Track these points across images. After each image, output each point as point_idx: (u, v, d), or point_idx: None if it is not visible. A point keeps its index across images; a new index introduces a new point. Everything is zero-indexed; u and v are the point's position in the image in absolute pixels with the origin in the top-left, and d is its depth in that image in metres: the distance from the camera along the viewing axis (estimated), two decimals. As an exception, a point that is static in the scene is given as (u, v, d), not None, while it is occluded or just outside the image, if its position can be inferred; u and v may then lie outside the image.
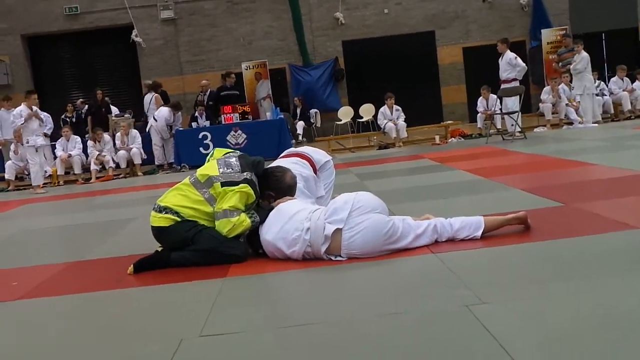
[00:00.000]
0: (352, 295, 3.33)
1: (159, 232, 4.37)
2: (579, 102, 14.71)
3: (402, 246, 3.99)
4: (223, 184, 4.24)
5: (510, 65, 13.05)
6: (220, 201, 4.24)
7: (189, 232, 4.24)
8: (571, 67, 13.50)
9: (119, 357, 2.80)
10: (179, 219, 4.26)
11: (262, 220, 4.24)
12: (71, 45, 20.10)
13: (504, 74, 13.20)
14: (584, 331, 2.50)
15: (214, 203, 4.26)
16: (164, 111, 14.45)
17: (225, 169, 4.32)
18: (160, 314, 3.42)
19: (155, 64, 19.33)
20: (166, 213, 4.30)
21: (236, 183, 4.24)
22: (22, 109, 12.35)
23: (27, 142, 12.45)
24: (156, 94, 15.42)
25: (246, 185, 4.24)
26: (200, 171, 4.42)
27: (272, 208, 4.30)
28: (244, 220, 4.20)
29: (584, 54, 13.59)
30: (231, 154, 4.53)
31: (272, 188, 4.46)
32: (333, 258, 3.94)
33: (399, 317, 2.89)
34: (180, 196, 4.34)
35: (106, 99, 16.95)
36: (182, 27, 19.40)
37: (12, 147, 13.97)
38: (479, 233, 4.10)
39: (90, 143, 14.32)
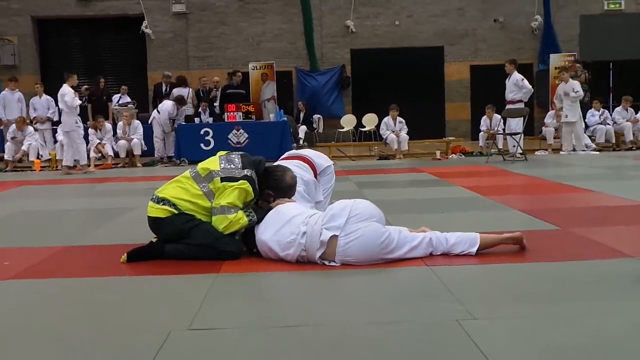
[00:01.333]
0: (344, 301, 3.34)
1: (155, 223, 4.37)
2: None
3: (397, 257, 4.00)
4: (223, 179, 4.25)
5: (517, 86, 13.08)
6: (218, 197, 4.24)
7: (185, 225, 4.24)
8: (572, 94, 13.53)
9: (107, 345, 2.79)
10: (176, 212, 4.26)
11: (259, 220, 4.24)
12: (80, 31, 20.09)
13: (510, 94, 13.23)
14: (571, 352, 2.51)
15: (213, 198, 4.27)
16: (168, 105, 14.45)
17: (227, 164, 4.33)
18: (151, 304, 3.41)
19: (163, 56, 19.34)
20: (164, 204, 4.30)
21: (236, 179, 4.24)
22: (70, 90, 12.39)
23: (77, 123, 12.64)
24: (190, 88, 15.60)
25: (245, 182, 4.25)
26: (201, 165, 4.43)
27: (271, 208, 4.30)
28: (241, 218, 4.20)
29: (574, 81, 13.69)
30: (233, 153, 4.54)
31: (271, 187, 4.46)
32: (327, 263, 3.95)
33: (388, 325, 2.89)
34: (180, 189, 4.35)
35: (124, 87, 16.89)
36: (192, 22, 19.42)
37: (11, 132, 13.98)
38: (474, 249, 4.11)
39: (91, 131, 14.29)
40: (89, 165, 13.05)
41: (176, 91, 15.63)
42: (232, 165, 4.32)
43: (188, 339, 2.81)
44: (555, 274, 3.72)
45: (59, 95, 12.54)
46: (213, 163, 4.39)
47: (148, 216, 4.41)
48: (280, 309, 3.28)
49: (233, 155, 4.43)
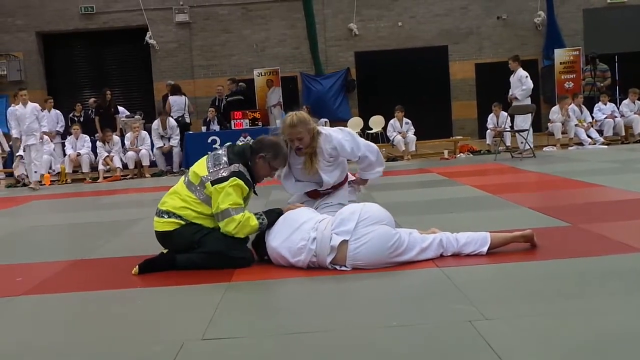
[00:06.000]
0: (356, 306, 3.33)
1: (163, 237, 4.37)
2: (590, 122, 14.69)
3: (408, 259, 3.99)
4: (213, 183, 4.24)
5: (521, 82, 13.06)
6: (215, 201, 4.22)
7: (195, 236, 4.25)
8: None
9: (120, 356, 2.81)
10: (183, 222, 4.27)
11: (270, 224, 4.23)
12: (85, 45, 20.20)
13: (515, 90, 13.21)
14: (585, 350, 2.49)
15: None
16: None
17: (214, 167, 4.30)
18: (163, 315, 3.42)
19: (167, 66, 19.41)
20: (169, 217, 4.30)
21: (225, 179, 4.22)
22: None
23: (40, 140, 12.73)
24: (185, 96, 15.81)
25: (235, 178, 4.22)
26: (192, 169, 4.43)
27: (281, 212, 4.31)
28: (250, 218, 4.19)
29: None
30: (220, 148, 4.53)
31: (260, 152, 4.44)
32: (338, 268, 3.95)
33: (401, 329, 2.89)
34: (179, 199, 4.35)
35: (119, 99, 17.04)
36: (196, 31, 19.49)
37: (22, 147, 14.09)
38: (485, 249, 4.10)
39: (99, 144, 14.37)
40: (40, 182, 12.78)
41: (172, 99, 15.70)
42: (218, 167, 4.29)
43: (202, 349, 2.81)
44: (567, 271, 3.71)
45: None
46: (201, 167, 4.37)
47: (155, 231, 4.41)
48: (293, 315, 3.28)
49: (220, 152, 4.42)
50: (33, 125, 12.30)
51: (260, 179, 4.55)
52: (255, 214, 4.26)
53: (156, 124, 14.44)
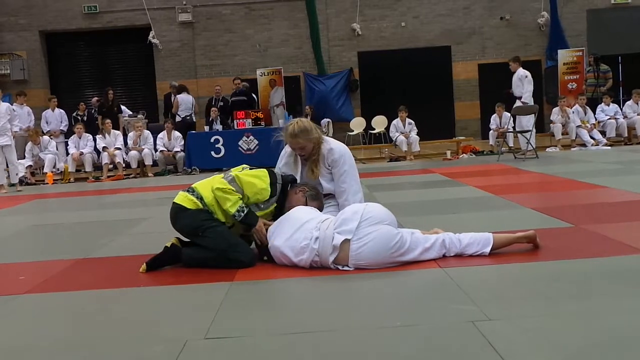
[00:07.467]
0: (358, 305, 3.33)
1: (176, 211, 4.38)
2: (593, 124, 14.68)
3: (410, 259, 3.99)
4: (251, 168, 4.46)
5: (521, 81, 13.08)
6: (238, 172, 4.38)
7: (203, 223, 4.25)
8: None
9: (123, 355, 2.81)
10: (200, 206, 4.28)
11: (243, 222, 4.27)
12: (88, 44, 20.23)
13: (516, 90, 13.23)
14: (588, 351, 2.49)
15: None
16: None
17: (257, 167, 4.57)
18: (166, 314, 3.42)
19: (170, 66, 19.43)
20: (193, 194, 4.35)
21: (259, 168, 4.44)
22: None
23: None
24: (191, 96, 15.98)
25: (265, 170, 4.39)
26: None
27: (257, 222, 4.30)
28: (234, 201, 4.22)
29: None
30: None
31: (308, 187, 4.58)
32: (340, 268, 3.95)
33: (403, 329, 2.89)
34: (208, 182, 4.42)
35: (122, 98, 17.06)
36: (199, 31, 19.51)
37: (28, 150, 14.13)
38: (488, 250, 4.10)
39: (98, 136, 14.36)
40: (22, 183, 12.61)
41: (180, 98, 15.75)
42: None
43: (205, 348, 2.81)
44: (570, 272, 3.71)
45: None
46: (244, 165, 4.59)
47: (173, 202, 4.44)
48: (295, 315, 3.28)
49: None
50: (6, 125, 12.09)
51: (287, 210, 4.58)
52: (242, 205, 4.26)
53: (162, 134, 14.46)
